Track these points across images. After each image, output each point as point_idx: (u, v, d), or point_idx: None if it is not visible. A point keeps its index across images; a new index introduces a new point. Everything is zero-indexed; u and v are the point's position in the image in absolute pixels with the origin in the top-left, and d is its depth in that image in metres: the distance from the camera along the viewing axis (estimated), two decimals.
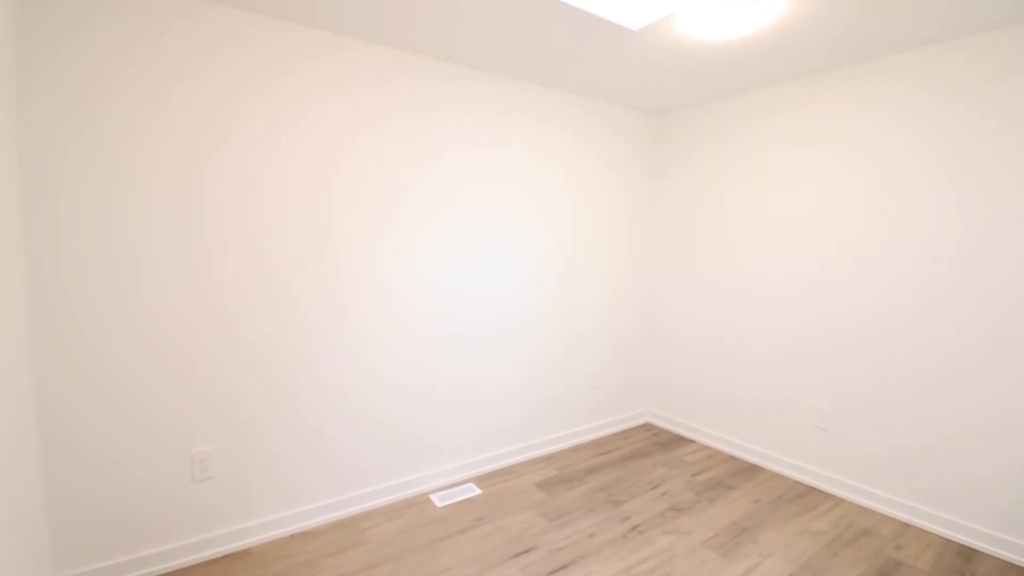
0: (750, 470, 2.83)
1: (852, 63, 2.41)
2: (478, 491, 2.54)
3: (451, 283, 2.56)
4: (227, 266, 1.97)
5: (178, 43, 1.82)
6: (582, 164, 3.04)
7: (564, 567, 1.97)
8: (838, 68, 2.48)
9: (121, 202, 1.76)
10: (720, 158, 3.04)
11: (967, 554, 2.09)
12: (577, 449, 3.09)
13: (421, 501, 2.44)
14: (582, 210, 3.07)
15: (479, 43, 2.19)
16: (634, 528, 2.24)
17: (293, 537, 2.15)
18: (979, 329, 2.09)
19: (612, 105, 3.14)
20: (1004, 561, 2.05)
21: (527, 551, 2.07)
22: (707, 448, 3.12)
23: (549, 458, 2.96)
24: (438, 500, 2.44)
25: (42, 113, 1.62)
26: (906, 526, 2.29)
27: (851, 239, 2.47)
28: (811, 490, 2.61)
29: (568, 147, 2.95)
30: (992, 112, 2.04)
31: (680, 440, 3.25)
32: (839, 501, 2.50)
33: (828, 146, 2.54)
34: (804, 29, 2.02)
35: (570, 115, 2.94)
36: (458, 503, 2.43)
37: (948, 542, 2.17)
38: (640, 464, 2.89)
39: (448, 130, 2.47)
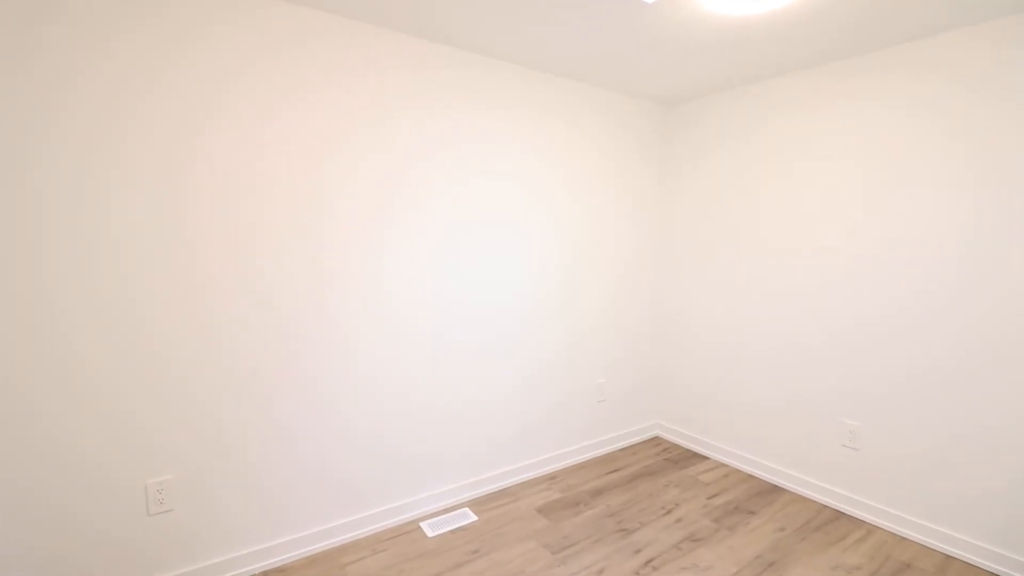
0: (771, 492, 2.59)
1: (867, 51, 2.22)
2: (473, 518, 2.30)
3: (446, 285, 2.32)
4: (208, 263, 1.77)
5: (161, 26, 1.65)
6: (586, 159, 2.80)
7: None
8: (855, 56, 2.28)
9: (99, 196, 1.57)
10: (732, 151, 2.81)
11: None
12: (582, 467, 2.85)
13: (410, 530, 2.21)
14: (586, 207, 2.84)
15: (476, 22, 1.96)
16: (648, 563, 2.00)
17: (265, 575, 1.91)
18: (1011, 328, 1.87)
19: (620, 95, 2.90)
20: None
21: None
22: (723, 466, 2.88)
23: (551, 477, 2.72)
24: (429, 528, 2.21)
25: (20, 100, 1.45)
26: (948, 559, 2.06)
27: (875, 237, 2.23)
28: (839, 515, 2.37)
29: (571, 141, 2.72)
30: (1014, 102, 1.86)
31: (692, 456, 3.01)
32: (871, 528, 2.27)
33: (847, 139, 2.31)
34: (825, 10, 1.81)
35: (574, 107, 2.71)
36: (451, 532, 2.19)
37: None
38: (651, 484, 2.65)
39: (445, 123, 2.24)
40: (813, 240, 2.48)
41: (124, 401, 1.66)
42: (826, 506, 2.45)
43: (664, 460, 2.96)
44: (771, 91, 2.62)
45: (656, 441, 3.24)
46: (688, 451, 3.08)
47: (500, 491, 2.56)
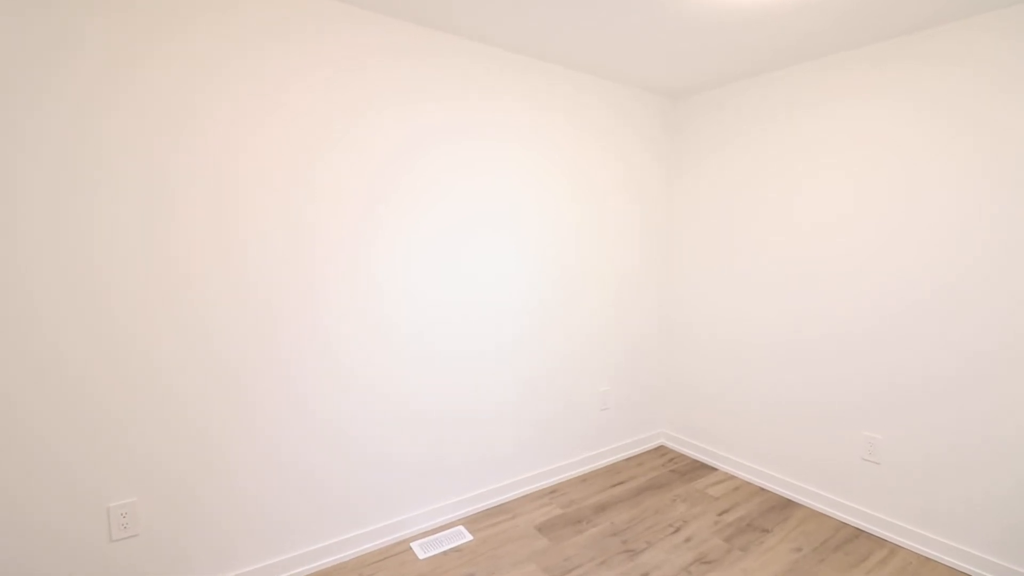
0: (785, 507, 2.44)
1: (879, 40, 2.08)
2: (468, 537, 2.15)
3: (439, 287, 2.18)
4: (193, 263, 1.64)
5: (143, 14, 1.53)
6: (587, 155, 2.66)
7: None
8: (865, 46, 2.15)
9: (81, 195, 1.46)
10: (740, 147, 2.66)
11: None
12: (584, 479, 2.70)
13: (401, 551, 2.06)
14: (587, 205, 2.69)
15: (474, 7, 1.81)
16: None
17: None
18: None
19: (623, 86, 2.76)
20: None
21: None
22: (732, 478, 2.73)
23: (552, 491, 2.57)
24: (420, 550, 2.06)
25: None
26: None
27: (890, 237, 2.08)
28: (859, 533, 2.22)
29: (572, 136, 2.57)
30: None
31: (700, 467, 2.86)
32: (894, 548, 2.12)
33: (859, 134, 2.16)
34: None
35: (575, 99, 2.56)
36: (444, 553, 2.04)
37: None
38: (657, 499, 2.50)
39: (438, 117, 2.09)
40: (824, 240, 2.33)
41: (103, 407, 1.53)
42: (844, 523, 2.30)
43: (670, 472, 2.81)
44: (778, 84, 2.47)
45: (661, 451, 3.09)
46: (695, 462, 2.93)
47: (497, 507, 2.41)
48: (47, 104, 1.40)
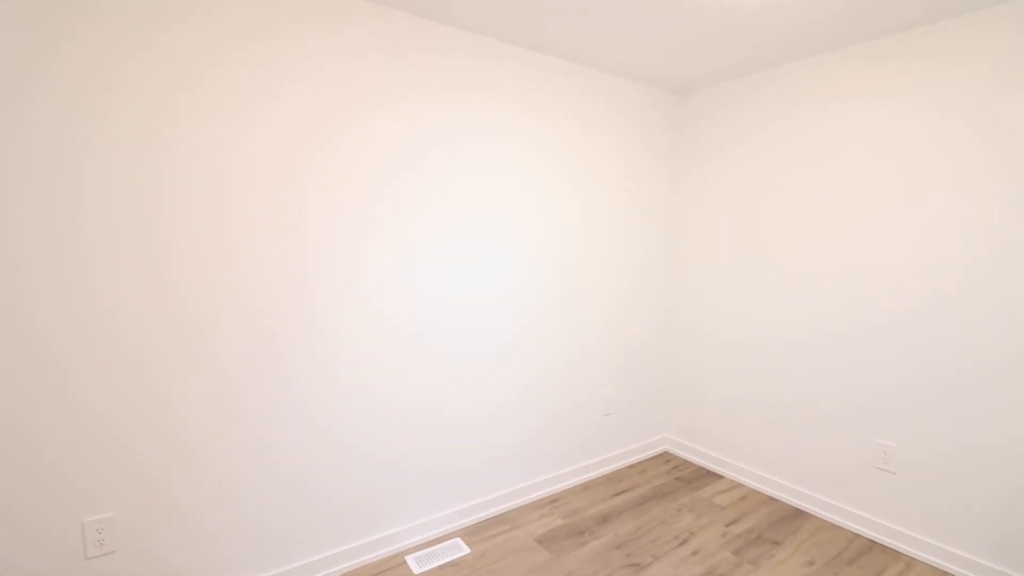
0: (795, 517, 2.35)
1: (894, 33, 1.98)
2: (466, 550, 2.06)
3: (438, 287, 2.09)
4: (186, 263, 1.58)
5: (131, 9, 1.45)
6: (589, 152, 2.56)
7: None
8: (877, 39, 2.04)
9: (71, 192, 1.39)
10: (748, 145, 2.57)
11: None
12: (586, 488, 2.61)
13: (394, 565, 1.97)
14: (589, 204, 2.60)
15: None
16: None
17: None
18: None
19: (626, 82, 2.66)
20: None
21: None
22: (739, 486, 2.64)
23: (553, 500, 2.48)
24: (415, 564, 1.97)
25: None
26: None
27: (903, 237, 2.00)
28: (873, 545, 2.13)
29: (573, 133, 2.48)
30: None
31: (706, 475, 2.77)
32: (910, 561, 2.03)
33: (869, 133, 2.07)
34: None
35: (578, 95, 2.46)
36: (440, 568, 1.95)
37: None
38: (662, 508, 2.41)
39: (435, 114, 2.00)
40: (826, 239, 2.24)
41: (87, 410, 1.45)
42: (858, 535, 2.21)
43: (675, 479, 2.72)
44: (781, 81, 2.38)
45: (665, 457, 3.00)
46: (701, 468, 2.84)
47: (496, 517, 2.32)
48: (38, 101, 1.33)
